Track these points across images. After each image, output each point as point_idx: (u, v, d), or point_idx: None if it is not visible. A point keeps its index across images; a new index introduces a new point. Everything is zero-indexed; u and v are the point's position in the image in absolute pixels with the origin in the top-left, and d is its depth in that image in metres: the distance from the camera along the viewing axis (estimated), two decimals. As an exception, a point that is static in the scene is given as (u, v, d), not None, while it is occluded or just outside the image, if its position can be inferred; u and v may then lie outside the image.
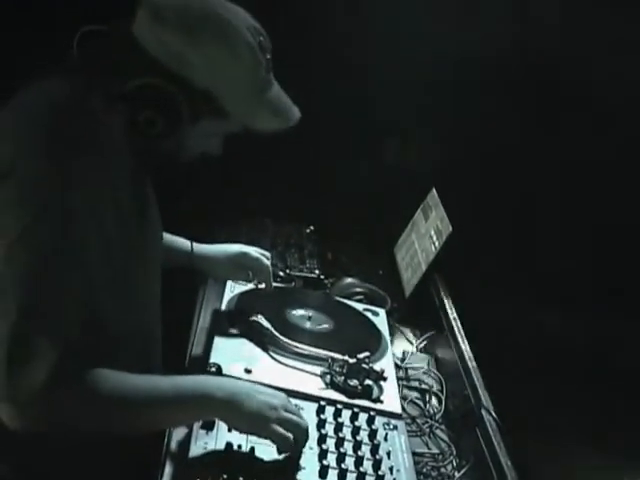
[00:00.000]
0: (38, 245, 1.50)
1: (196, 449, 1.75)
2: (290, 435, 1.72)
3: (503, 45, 3.03)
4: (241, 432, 1.76)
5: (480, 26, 3.05)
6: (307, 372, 2.14)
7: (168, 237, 2.28)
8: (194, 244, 2.36)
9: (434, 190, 3.00)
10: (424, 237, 2.92)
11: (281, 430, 1.71)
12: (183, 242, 2.35)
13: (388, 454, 1.92)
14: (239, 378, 2.00)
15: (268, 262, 2.40)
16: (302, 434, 1.76)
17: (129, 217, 1.71)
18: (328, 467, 1.79)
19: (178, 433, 1.86)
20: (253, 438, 1.80)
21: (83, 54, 1.69)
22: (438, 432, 2.24)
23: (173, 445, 1.85)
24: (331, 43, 3.10)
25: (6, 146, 1.57)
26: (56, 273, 1.51)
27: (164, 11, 1.64)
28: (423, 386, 2.43)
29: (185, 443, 1.80)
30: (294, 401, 1.95)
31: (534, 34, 3.04)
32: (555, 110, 3.13)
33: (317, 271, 2.85)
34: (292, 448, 1.75)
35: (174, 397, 1.68)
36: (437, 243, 2.77)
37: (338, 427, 1.95)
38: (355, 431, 1.95)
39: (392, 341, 2.48)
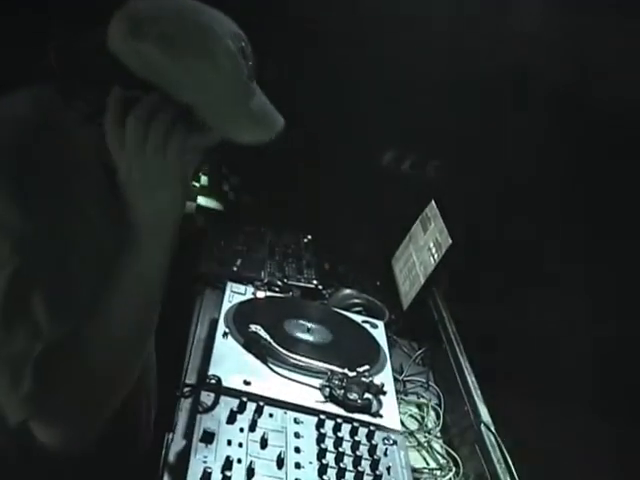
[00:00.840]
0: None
1: (195, 462, 1.73)
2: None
3: (504, 60, 3.03)
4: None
5: (480, 41, 3.05)
6: (306, 385, 2.12)
7: None
8: None
9: (433, 202, 2.99)
10: (422, 249, 2.91)
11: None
12: None
13: (388, 469, 1.90)
14: (239, 390, 1.98)
15: None
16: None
17: (105, 233, 1.65)
18: (328, 482, 1.77)
19: (176, 446, 1.85)
20: (253, 452, 1.80)
21: (55, 66, 1.61)
22: (436, 447, 2.22)
23: (171, 457, 1.83)
24: (333, 50, 3.09)
25: None
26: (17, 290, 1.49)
27: (140, 22, 1.54)
28: (421, 400, 2.41)
29: (184, 455, 1.78)
30: (293, 414, 1.95)
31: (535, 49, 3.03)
32: (558, 126, 3.12)
33: (315, 281, 2.83)
34: None
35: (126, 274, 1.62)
36: (436, 256, 2.75)
37: (338, 442, 1.93)
38: (355, 446, 1.93)
39: (390, 353, 2.45)
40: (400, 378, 2.45)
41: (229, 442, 1.81)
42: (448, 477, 2.09)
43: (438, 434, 2.26)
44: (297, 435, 1.92)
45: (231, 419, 1.90)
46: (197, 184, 3.22)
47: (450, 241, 2.68)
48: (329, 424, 1.98)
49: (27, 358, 1.48)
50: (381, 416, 2.09)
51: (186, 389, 2.08)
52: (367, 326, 2.56)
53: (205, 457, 1.76)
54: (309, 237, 3.14)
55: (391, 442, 2.01)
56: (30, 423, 1.51)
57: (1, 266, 1.48)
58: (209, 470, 1.70)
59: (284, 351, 2.17)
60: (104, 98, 1.53)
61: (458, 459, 2.15)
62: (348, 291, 2.79)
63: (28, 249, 1.50)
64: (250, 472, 1.75)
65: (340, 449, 1.90)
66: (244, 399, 1.95)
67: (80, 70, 1.59)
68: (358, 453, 1.90)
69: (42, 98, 1.62)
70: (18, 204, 1.50)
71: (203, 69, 1.56)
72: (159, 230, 1.61)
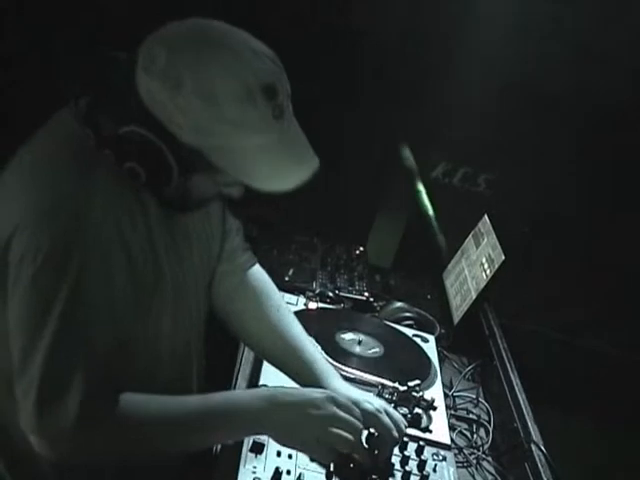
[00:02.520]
0: (54, 286, 1.47)
1: (244, 472, 1.74)
2: (347, 434, 1.66)
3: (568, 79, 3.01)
4: (287, 446, 1.73)
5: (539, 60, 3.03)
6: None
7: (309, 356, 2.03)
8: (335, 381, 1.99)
9: (486, 217, 2.97)
10: (475, 264, 2.89)
11: (340, 431, 1.66)
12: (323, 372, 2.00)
13: (436, 485, 1.90)
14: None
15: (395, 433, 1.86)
16: (359, 432, 1.71)
17: (145, 249, 1.62)
18: (377, 497, 1.76)
19: (226, 455, 1.85)
20: (302, 464, 1.79)
21: (87, 86, 1.62)
22: (485, 464, 2.20)
23: (220, 467, 1.83)
24: (387, 61, 3.09)
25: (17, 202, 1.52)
26: (77, 311, 1.49)
27: (155, 54, 1.48)
28: (471, 416, 2.39)
29: (233, 465, 1.78)
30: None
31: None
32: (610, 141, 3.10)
33: (366, 293, 2.83)
34: (353, 446, 1.69)
35: (207, 416, 1.65)
36: (488, 271, 2.73)
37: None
38: (404, 461, 1.92)
39: (440, 368, 2.44)
40: (450, 393, 2.43)
41: (279, 453, 1.81)
42: (497, 496, 2.08)
43: (487, 451, 2.24)
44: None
45: (281, 430, 1.89)
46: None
47: (503, 257, 2.66)
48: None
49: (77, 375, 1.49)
50: (431, 431, 2.08)
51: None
52: (418, 340, 2.55)
53: (254, 467, 1.76)
54: (361, 249, 3.14)
55: (440, 458, 2.00)
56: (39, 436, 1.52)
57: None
58: (258, 481, 1.71)
59: (335, 363, 2.17)
60: (114, 127, 1.51)
61: (507, 478, 2.13)
62: (399, 304, 2.78)
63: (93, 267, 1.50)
64: (299, 484, 1.76)
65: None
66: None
67: (103, 94, 1.58)
68: (407, 468, 1.89)
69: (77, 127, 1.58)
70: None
71: (203, 112, 1.48)
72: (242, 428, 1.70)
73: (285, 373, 2.00)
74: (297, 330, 2.05)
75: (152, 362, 1.73)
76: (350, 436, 1.66)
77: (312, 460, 1.79)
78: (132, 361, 1.62)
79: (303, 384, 1.93)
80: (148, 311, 1.66)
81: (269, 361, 2.06)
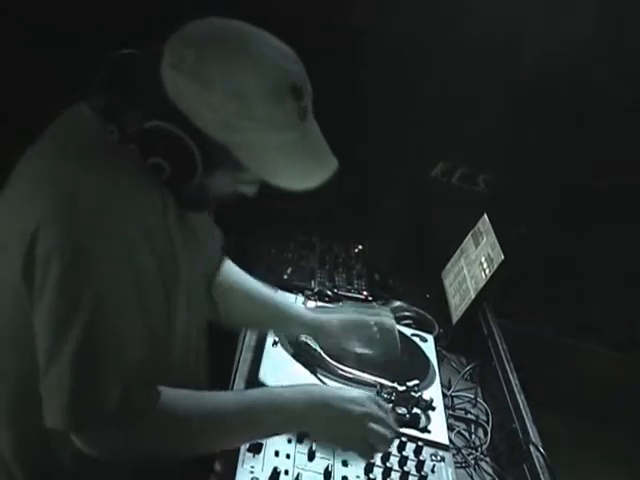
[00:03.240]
0: (83, 281, 1.46)
1: (242, 472, 1.73)
2: (386, 432, 1.72)
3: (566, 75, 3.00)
4: (325, 443, 1.80)
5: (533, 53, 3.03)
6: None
7: (271, 297, 2.26)
8: (304, 310, 2.28)
9: (485, 216, 2.96)
10: (474, 264, 2.88)
11: (369, 444, 1.71)
12: (290, 306, 2.26)
13: (435, 486, 1.89)
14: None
15: (394, 328, 2.26)
16: (387, 447, 1.78)
17: (163, 248, 1.62)
18: (375, 498, 1.76)
19: (224, 455, 1.84)
20: (300, 464, 1.79)
21: (107, 82, 1.62)
22: (483, 465, 2.19)
23: (218, 466, 1.83)
24: (384, 61, 3.08)
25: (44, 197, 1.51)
26: (108, 305, 1.48)
27: (183, 53, 1.50)
28: (469, 416, 2.39)
29: (231, 465, 1.77)
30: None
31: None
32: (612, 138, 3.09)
33: (365, 292, 2.82)
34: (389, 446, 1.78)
35: (247, 412, 1.66)
36: (488, 271, 2.72)
37: (385, 456, 1.92)
38: (402, 461, 1.92)
39: (439, 368, 2.43)
40: (448, 393, 2.42)
41: (276, 453, 1.81)
42: (495, 497, 2.07)
43: (485, 452, 2.23)
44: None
45: (279, 430, 1.89)
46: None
47: (502, 257, 2.65)
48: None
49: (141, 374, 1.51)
50: (429, 432, 2.08)
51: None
52: (417, 339, 2.54)
53: (252, 467, 1.76)
54: (360, 247, 3.13)
55: (439, 458, 2.00)
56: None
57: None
58: (256, 480, 1.70)
59: (334, 362, 2.16)
60: (138, 123, 1.52)
61: (506, 479, 2.13)
62: (398, 303, 2.77)
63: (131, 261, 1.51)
64: (297, 484, 1.75)
65: (388, 464, 1.89)
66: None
67: (126, 89, 1.59)
68: (406, 469, 1.89)
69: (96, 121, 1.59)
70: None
71: (233, 110, 1.51)
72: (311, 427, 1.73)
73: (271, 327, 2.24)
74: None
75: (168, 357, 1.73)
76: (388, 435, 1.72)
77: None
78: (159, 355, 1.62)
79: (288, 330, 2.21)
80: (169, 307, 1.66)
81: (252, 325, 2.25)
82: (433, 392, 2.23)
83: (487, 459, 2.22)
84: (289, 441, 1.87)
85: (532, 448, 2.13)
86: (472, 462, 2.18)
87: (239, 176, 1.65)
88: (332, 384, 2.13)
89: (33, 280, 1.47)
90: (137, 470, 1.70)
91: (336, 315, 2.27)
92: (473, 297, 2.76)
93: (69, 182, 1.49)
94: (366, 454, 1.76)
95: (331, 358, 2.17)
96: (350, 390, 1.79)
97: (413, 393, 2.09)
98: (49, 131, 1.64)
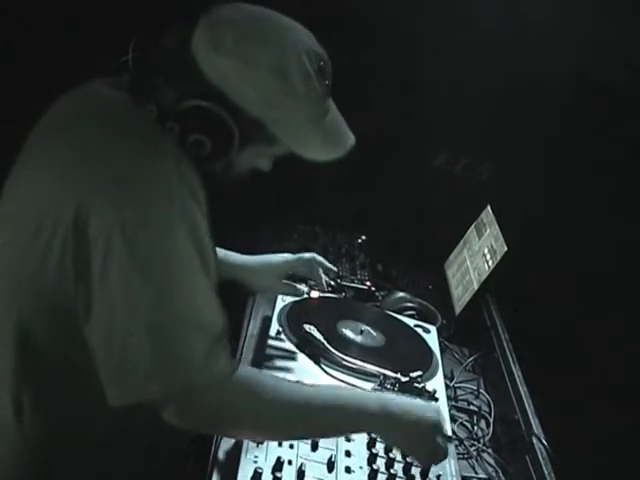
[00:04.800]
0: (150, 252, 1.46)
1: (246, 462, 1.73)
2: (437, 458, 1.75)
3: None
4: (394, 447, 1.82)
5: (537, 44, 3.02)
6: (358, 387, 2.11)
7: None
8: (236, 255, 2.34)
9: (489, 208, 2.96)
10: (477, 255, 2.88)
11: (444, 442, 1.72)
12: (225, 254, 2.31)
13: (438, 477, 1.90)
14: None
15: (317, 265, 2.43)
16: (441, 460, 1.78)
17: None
18: (378, 488, 1.76)
19: (226, 444, 1.85)
20: (304, 454, 1.79)
21: (139, 62, 1.65)
22: (485, 456, 2.19)
23: (221, 455, 1.83)
24: (387, 50, 3.08)
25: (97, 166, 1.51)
26: (181, 266, 1.49)
27: (221, 34, 1.57)
28: (471, 407, 2.39)
29: (234, 455, 1.78)
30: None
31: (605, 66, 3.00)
32: (613, 129, 3.08)
33: (368, 283, 2.82)
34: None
35: (331, 406, 1.65)
36: (491, 262, 2.73)
37: (388, 447, 1.92)
38: (406, 452, 1.92)
39: (441, 359, 2.43)
40: (451, 384, 2.43)
41: (280, 443, 1.80)
42: (497, 488, 2.08)
43: (488, 443, 2.23)
44: (348, 439, 1.91)
45: (283, 420, 1.89)
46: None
47: (505, 248, 2.65)
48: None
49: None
50: (432, 423, 2.07)
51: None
52: (420, 330, 2.54)
53: (256, 457, 1.76)
54: (363, 238, 3.13)
55: (442, 450, 1.99)
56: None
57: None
58: (260, 470, 1.70)
59: (337, 353, 2.16)
60: (176, 102, 1.56)
61: (508, 470, 2.13)
62: (401, 294, 2.77)
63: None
64: (300, 474, 1.75)
65: (391, 455, 1.89)
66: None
67: (162, 70, 1.61)
68: (409, 459, 1.89)
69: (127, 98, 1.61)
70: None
71: (275, 87, 1.59)
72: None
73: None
74: None
75: None
76: (447, 450, 1.74)
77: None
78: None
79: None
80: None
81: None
82: (436, 383, 2.23)
83: (489, 450, 2.22)
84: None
85: (534, 440, 2.13)
86: (474, 453, 2.18)
87: (267, 150, 1.74)
88: (336, 374, 2.13)
89: (90, 263, 1.45)
90: (136, 454, 1.69)
91: (263, 258, 2.41)
92: (476, 288, 2.76)
93: (114, 158, 1.50)
94: (426, 463, 1.81)
95: (334, 348, 2.17)
96: (419, 401, 1.79)
97: (416, 384, 2.10)
98: (68, 106, 1.67)
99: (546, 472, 2.02)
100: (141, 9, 2.85)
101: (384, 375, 2.12)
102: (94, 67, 1.67)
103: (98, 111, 1.62)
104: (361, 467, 1.83)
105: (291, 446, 1.82)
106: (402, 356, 2.31)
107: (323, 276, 2.44)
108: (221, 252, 2.25)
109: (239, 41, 1.57)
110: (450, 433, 1.85)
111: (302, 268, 2.42)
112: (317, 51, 1.66)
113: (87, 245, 1.44)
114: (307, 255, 2.43)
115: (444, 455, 1.73)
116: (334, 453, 1.84)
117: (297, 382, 1.72)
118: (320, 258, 2.45)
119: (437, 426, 1.70)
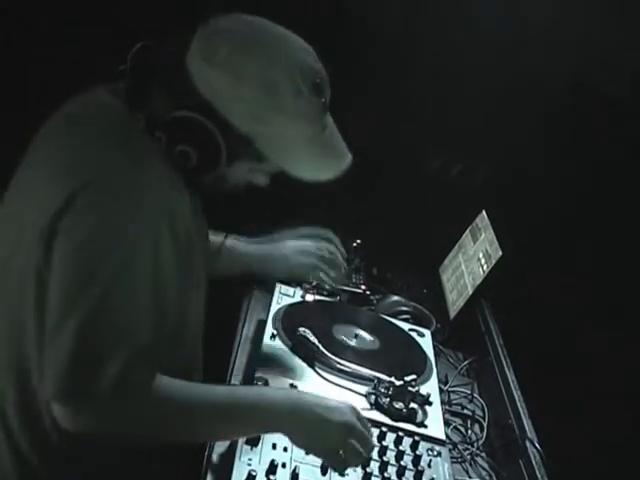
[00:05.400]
0: (104, 252, 1.48)
1: (240, 465, 1.73)
2: (361, 449, 1.66)
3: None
4: (302, 449, 1.74)
5: (533, 48, 3.02)
6: (352, 391, 2.12)
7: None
8: (246, 244, 2.32)
9: (484, 212, 2.97)
10: (472, 259, 2.89)
11: (344, 458, 1.66)
12: (233, 244, 2.28)
13: (431, 481, 1.90)
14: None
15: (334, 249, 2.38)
16: (362, 462, 1.74)
17: (184, 237, 1.64)
18: (372, 491, 1.76)
19: (220, 447, 1.85)
20: (298, 457, 1.79)
21: (135, 70, 1.66)
22: (479, 460, 2.20)
23: (215, 458, 1.83)
24: (381, 52, 3.09)
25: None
26: (130, 278, 1.49)
27: (215, 46, 1.58)
28: (465, 411, 2.39)
29: (228, 458, 1.78)
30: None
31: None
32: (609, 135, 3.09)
33: (363, 286, 2.82)
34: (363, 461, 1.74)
35: (234, 408, 1.65)
36: (486, 267, 2.73)
37: (382, 450, 1.93)
38: (399, 455, 1.93)
39: (435, 363, 2.43)
40: (445, 388, 2.43)
41: (274, 446, 1.81)
42: (491, 492, 2.08)
43: (481, 447, 2.24)
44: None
45: (277, 423, 1.89)
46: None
47: (500, 253, 2.66)
48: (374, 432, 1.97)
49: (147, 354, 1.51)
50: (426, 426, 2.08)
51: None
52: (414, 334, 2.55)
53: (250, 460, 1.76)
54: (358, 241, 3.13)
55: (435, 453, 2.00)
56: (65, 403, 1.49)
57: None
58: (253, 473, 1.70)
59: (332, 356, 2.17)
60: (166, 112, 1.57)
61: (501, 474, 2.13)
62: (396, 298, 2.77)
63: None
64: (294, 477, 1.76)
65: (384, 458, 1.89)
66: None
67: (154, 78, 1.63)
68: (402, 463, 1.89)
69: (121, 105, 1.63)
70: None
71: (263, 102, 1.59)
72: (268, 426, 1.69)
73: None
74: None
75: (179, 346, 1.75)
76: (364, 451, 1.67)
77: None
78: (166, 344, 1.62)
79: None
80: (182, 295, 1.68)
81: None
82: (430, 387, 2.23)
83: (483, 454, 2.23)
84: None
85: (528, 444, 2.14)
86: (468, 457, 2.19)
87: (257, 166, 1.73)
88: (330, 378, 2.13)
89: (52, 250, 1.48)
90: (130, 457, 1.69)
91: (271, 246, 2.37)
92: (471, 293, 2.77)
93: (98, 163, 1.53)
94: (339, 466, 1.71)
95: (329, 352, 2.17)
96: (334, 400, 1.73)
97: (410, 388, 2.09)
98: (71, 111, 1.69)
99: (539, 476, 2.03)
100: (141, 9, 2.85)
101: (378, 379, 2.12)
102: (94, 67, 1.69)
103: (92, 118, 1.65)
104: (355, 470, 1.83)
105: (285, 449, 1.82)
106: (396, 360, 2.30)
107: (338, 253, 2.38)
108: (232, 243, 2.26)
109: (231, 54, 1.57)
110: (373, 431, 1.77)
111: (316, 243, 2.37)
112: (314, 67, 1.65)
113: (55, 237, 1.48)
114: (323, 231, 2.42)
115: (358, 457, 1.67)
116: (328, 456, 1.84)
117: (209, 386, 1.68)
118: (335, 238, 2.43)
119: (348, 427, 1.65)
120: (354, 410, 1.70)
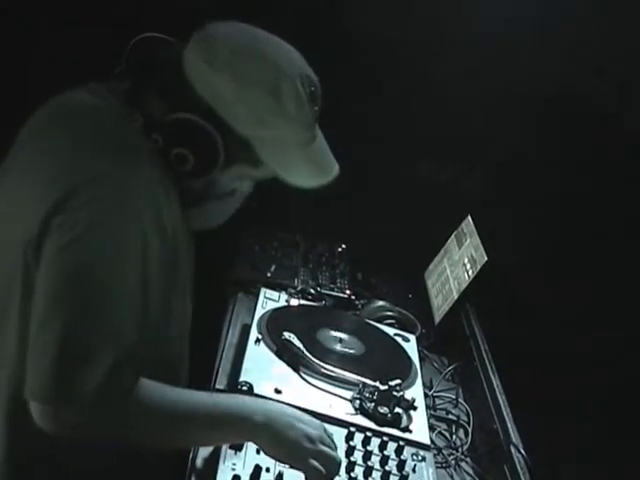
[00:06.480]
0: (90, 257, 1.47)
1: (224, 469, 1.73)
2: (323, 469, 1.66)
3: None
4: (273, 459, 1.72)
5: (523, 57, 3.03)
6: (337, 396, 2.11)
7: None
8: None
9: (469, 218, 2.97)
10: (457, 264, 2.89)
11: (316, 464, 1.65)
12: None
13: (416, 487, 1.89)
14: (269, 398, 1.96)
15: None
16: (335, 469, 1.71)
17: (171, 240, 1.64)
18: (356, 496, 1.75)
19: (205, 451, 1.84)
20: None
21: (131, 69, 1.67)
22: (464, 465, 2.20)
23: (199, 463, 1.82)
24: (371, 56, 3.09)
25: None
26: (116, 282, 1.49)
27: (215, 50, 1.57)
28: (450, 416, 2.39)
29: (212, 462, 1.77)
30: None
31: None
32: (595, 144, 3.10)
33: (348, 291, 2.82)
34: None
35: (212, 415, 1.64)
36: (471, 272, 2.73)
37: (367, 455, 1.93)
38: (384, 460, 1.92)
39: (420, 368, 2.43)
40: (430, 393, 2.43)
41: (258, 451, 1.79)
42: (475, 497, 2.08)
43: (466, 452, 2.24)
44: (327, 447, 1.90)
45: (261, 427, 1.88)
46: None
47: (485, 258, 2.66)
48: (358, 437, 1.97)
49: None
50: (410, 431, 2.07)
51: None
52: (399, 339, 2.54)
53: (234, 464, 1.76)
54: (343, 246, 3.13)
55: (420, 458, 2.00)
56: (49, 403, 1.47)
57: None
58: (238, 478, 1.70)
59: (316, 360, 2.16)
60: (163, 114, 1.57)
61: (486, 479, 2.13)
62: (381, 303, 2.77)
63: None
64: (279, 482, 1.75)
65: (369, 463, 1.89)
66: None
67: (150, 80, 1.62)
68: (387, 468, 1.89)
69: (118, 104, 1.63)
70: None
71: (266, 106, 1.59)
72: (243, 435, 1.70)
73: None
74: None
75: (165, 350, 1.75)
76: (325, 473, 1.67)
77: None
78: (150, 348, 1.61)
79: None
80: (169, 301, 1.68)
81: None
82: (415, 392, 2.22)
83: (468, 459, 2.23)
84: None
85: (513, 449, 2.14)
86: (453, 462, 2.19)
87: (251, 172, 1.72)
88: (315, 382, 2.13)
89: (41, 252, 1.47)
90: (112, 461, 1.68)
91: None
92: (456, 298, 2.77)
93: (87, 166, 1.51)
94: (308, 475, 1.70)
95: (314, 356, 2.16)
96: (311, 422, 1.72)
97: (395, 392, 2.09)
98: (58, 111, 1.68)
99: (524, 481, 2.02)
100: (141, 9, 2.85)
101: (363, 383, 2.11)
102: (94, 67, 1.68)
103: (83, 119, 1.63)
104: (339, 475, 1.81)
105: (269, 454, 1.81)
106: (381, 364, 2.30)
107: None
108: None
109: (233, 57, 1.57)
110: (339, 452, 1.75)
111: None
112: (310, 76, 1.67)
113: (45, 237, 1.47)
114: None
115: (317, 476, 1.67)
116: (312, 461, 1.83)
117: (188, 391, 1.68)
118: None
119: (314, 452, 1.66)
120: (321, 437, 1.71)
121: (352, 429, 1.98)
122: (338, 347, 2.34)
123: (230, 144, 1.60)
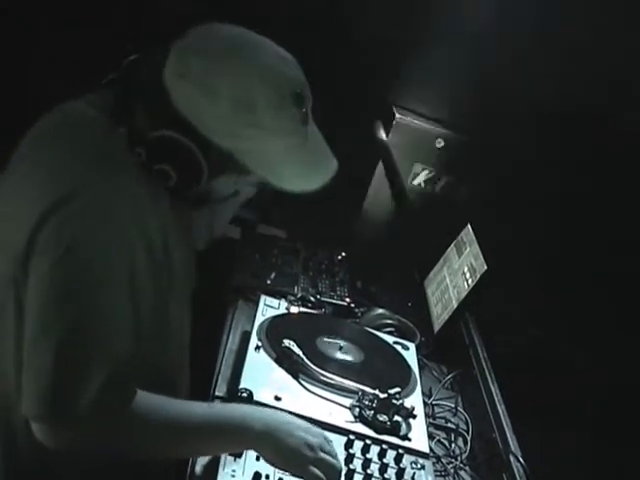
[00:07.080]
0: (79, 273, 1.47)
1: (223, 476, 1.73)
2: (324, 477, 1.67)
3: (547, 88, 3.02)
4: (274, 467, 1.72)
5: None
6: (337, 403, 2.11)
7: None
8: None
9: (469, 226, 2.97)
10: (457, 273, 2.89)
11: (317, 472, 1.66)
12: None
13: (415, 494, 1.89)
14: (269, 405, 1.97)
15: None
16: (336, 476, 1.71)
17: (161, 253, 1.63)
18: (356, 504, 1.76)
19: (204, 458, 1.84)
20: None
21: (119, 83, 1.66)
22: (462, 474, 2.20)
23: (198, 470, 1.82)
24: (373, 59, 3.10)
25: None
26: (106, 296, 1.49)
27: (189, 62, 1.54)
28: (449, 425, 2.39)
29: (212, 469, 1.77)
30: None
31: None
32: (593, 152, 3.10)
33: (347, 299, 2.82)
34: None
35: (211, 425, 1.65)
36: (470, 281, 2.73)
37: (366, 463, 1.93)
38: (383, 468, 1.93)
39: (420, 376, 2.43)
40: (429, 402, 2.43)
41: (258, 458, 1.79)
42: (474, 505, 2.08)
43: (465, 461, 2.24)
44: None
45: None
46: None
47: (485, 267, 2.66)
48: (358, 445, 1.98)
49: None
50: (409, 439, 2.08)
51: (216, 401, 2.07)
52: (398, 347, 2.54)
53: (233, 471, 1.76)
54: (343, 254, 3.13)
55: (419, 466, 2.00)
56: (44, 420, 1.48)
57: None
58: (237, 484, 1.70)
59: (316, 368, 2.16)
60: (147, 128, 1.55)
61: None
62: (380, 311, 2.77)
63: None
64: (278, 489, 1.75)
65: (368, 471, 1.90)
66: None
67: (136, 92, 1.61)
68: (386, 476, 1.89)
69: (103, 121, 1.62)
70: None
71: (240, 119, 1.55)
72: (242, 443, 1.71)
73: None
74: None
75: (160, 361, 1.75)
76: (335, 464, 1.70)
77: None
78: (146, 360, 1.62)
79: None
80: (163, 312, 1.68)
81: None
82: (414, 400, 2.23)
83: (467, 468, 2.22)
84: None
85: (512, 458, 2.14)
86: (452, 471, 2.18)
87: (243, 179, 1.70)
88: (314, 390, 2.13)
89: (28, 267, 1.48)
90: (111, 471, 1.69)
91: None
92: (455, 306, 2.77)
93: (77, 177, 1.52)
94: None
95: (313, 364, 2.17)
96: (308, 429, 1.74)
97: (394, 401, 2.09)
98: (53, 124, 1.68)
99: (523, 490, 2.03)
100: (141, 9, 2.86)
101: (363, 391, 2.11)
102: (94, 68, 1.68)
103: (73, 133, 1.64)
104: (338, 483, 1.82)
105: (269, 460, 1.81)
106: (381, 372, 2.30)
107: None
108: None
109: (205, 70, 1.54)
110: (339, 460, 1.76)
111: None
112: (292, 77, 1.62)
113: (32, 254, 1.48)
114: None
115: (328, 476, 1.68)
116: (312, 468, 1.83)
117: (185, 403, 1.68)
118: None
119: (315, 460, 1.68)
120: (321, 444, 1.72)
121: (351, 437, 1.98)
122: (338, 355, 2.34)
123: (212, 157, 1.58)
